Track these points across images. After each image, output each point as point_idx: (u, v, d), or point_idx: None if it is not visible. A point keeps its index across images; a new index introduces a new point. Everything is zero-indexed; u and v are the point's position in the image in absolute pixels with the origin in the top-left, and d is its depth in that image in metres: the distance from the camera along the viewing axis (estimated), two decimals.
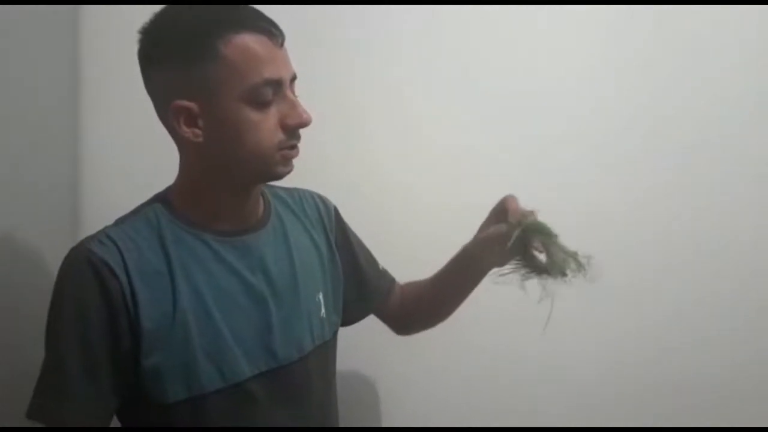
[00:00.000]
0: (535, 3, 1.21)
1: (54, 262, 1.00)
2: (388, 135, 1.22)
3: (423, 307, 1.04)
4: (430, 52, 1.22)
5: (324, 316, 0.89)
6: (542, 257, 0.84)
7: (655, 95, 1.24)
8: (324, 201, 0.97)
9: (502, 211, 0.90)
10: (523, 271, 0.87)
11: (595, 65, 1.24)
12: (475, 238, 0.94)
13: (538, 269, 0.85)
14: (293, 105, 0.76)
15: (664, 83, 1.24)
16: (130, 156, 1.15)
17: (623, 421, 1.24)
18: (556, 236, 0.84)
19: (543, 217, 0.87)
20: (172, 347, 0.74)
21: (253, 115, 0.74)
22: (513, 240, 0.84)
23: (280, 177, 0.79)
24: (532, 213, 0.87)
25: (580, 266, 0.83)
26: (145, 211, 0.79)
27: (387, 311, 1.04)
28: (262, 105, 0.74)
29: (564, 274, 0.82)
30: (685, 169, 1.25)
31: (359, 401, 1.26)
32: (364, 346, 1.15)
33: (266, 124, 0.75)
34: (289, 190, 0.93)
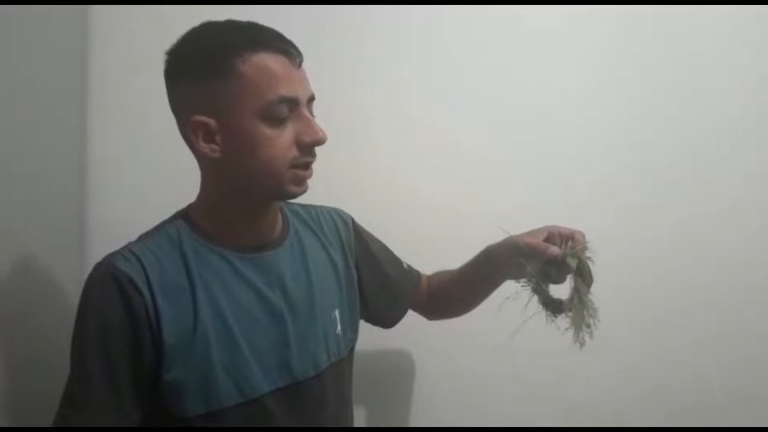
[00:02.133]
0: (542, 3, 1.23)
1: (62, 276, 1.01)
2: (394, 137, 1.23)
3: (447, 299, 1.07)
4: (436, 53, 1.23)
5: (340, 333, 0.90)
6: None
7: (657, 99, 1.26)
8: (342, 216, 0.98)
9: (561, 236, 0.88)
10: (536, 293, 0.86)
11: (601, 66, 1.25)
12: (512, 242, 0.90)
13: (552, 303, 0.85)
14: (309, 123, 0.78)
15: (665, 88, 1.25)
16: (138, 167, 1.16)
17: (624, 421, 1.25)
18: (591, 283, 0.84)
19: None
20: (192, 362, 0.75)
21: (269, 131, 0.75)
22: (560, 257, 0.84)
23: (292, 196, 0.81)
24: (585, 248, 0.86)
25: (591, 326, 0.83)
26: (167, 228, 0.81)
27: (416, 303, 1.07)
28: (277, 122, 0.75)
29: (579, 327, 0.83)
30: (685, 173, 1.27)
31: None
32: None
33: (281, 141, 0.76)
34: (307, 207, 0.95)
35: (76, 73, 1.12)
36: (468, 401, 1.26)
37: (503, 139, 1.24)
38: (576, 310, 0.83)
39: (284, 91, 0.75)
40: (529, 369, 1.26)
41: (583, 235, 0.88)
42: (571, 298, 0.84)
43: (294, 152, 0.77)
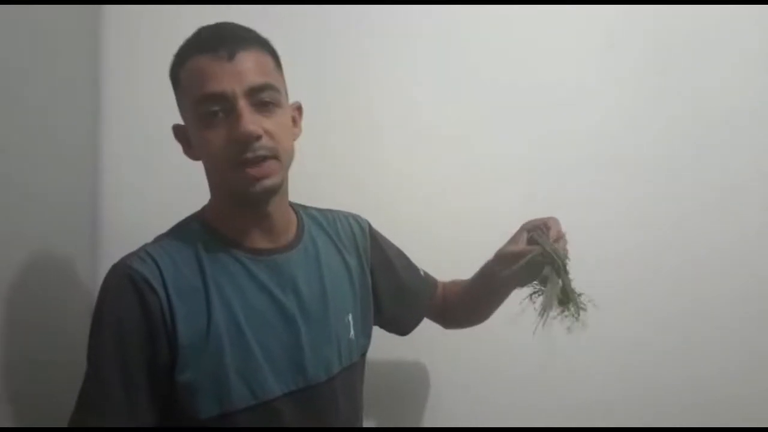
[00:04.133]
0: (545, 3, 1.22)
1: (76, 276, 1.03)
2: (404, 141, 1.22)
3: (461, 309, 1.07)
4: (445, 55, 1.22)
5: (353, 337, 0.89)
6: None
7: (662, 97, 1.25)
8: (358, 222, 0.98)
9: (534, 228, 0.90)
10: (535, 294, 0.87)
11: (608, 66, 1.25)
12: (496, 253, 0.93)
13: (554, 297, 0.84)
14: (238, 117, 0.74)
15: (668, 86, 1.25)
16: (151, 167, 1.17)
17: (625, 421, 1.24)
18: (566, 273, 0.84)
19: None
20: (205, 363, 0.75)
21: (205, 132, 0.76)
22: (526, 260, 0.85)
23: (253, 196, 0.77)
24: (559, 240, 0.88)
25: (574, 310, 0.83)
26: (183, 229, 0.82)
27: (431, 311, 1.07)
28: (209, 121, 0.76)
29: (558, 309, 0.83)
30: (688, 172, 1.26)
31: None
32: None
33: (216, 140, 0.76)
34: (323, 211, 0.95)
35: (90, 73, 1.13)
36: (479, 408, 1.25)
37: (513, 141, 1.24)
38: (549, 294, 0.82)
39: (208, 88, 0.75)
40: (541, 372, 1.24)
41: (556, 221, 0.90)
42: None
43: (232, 149, 0.75)
